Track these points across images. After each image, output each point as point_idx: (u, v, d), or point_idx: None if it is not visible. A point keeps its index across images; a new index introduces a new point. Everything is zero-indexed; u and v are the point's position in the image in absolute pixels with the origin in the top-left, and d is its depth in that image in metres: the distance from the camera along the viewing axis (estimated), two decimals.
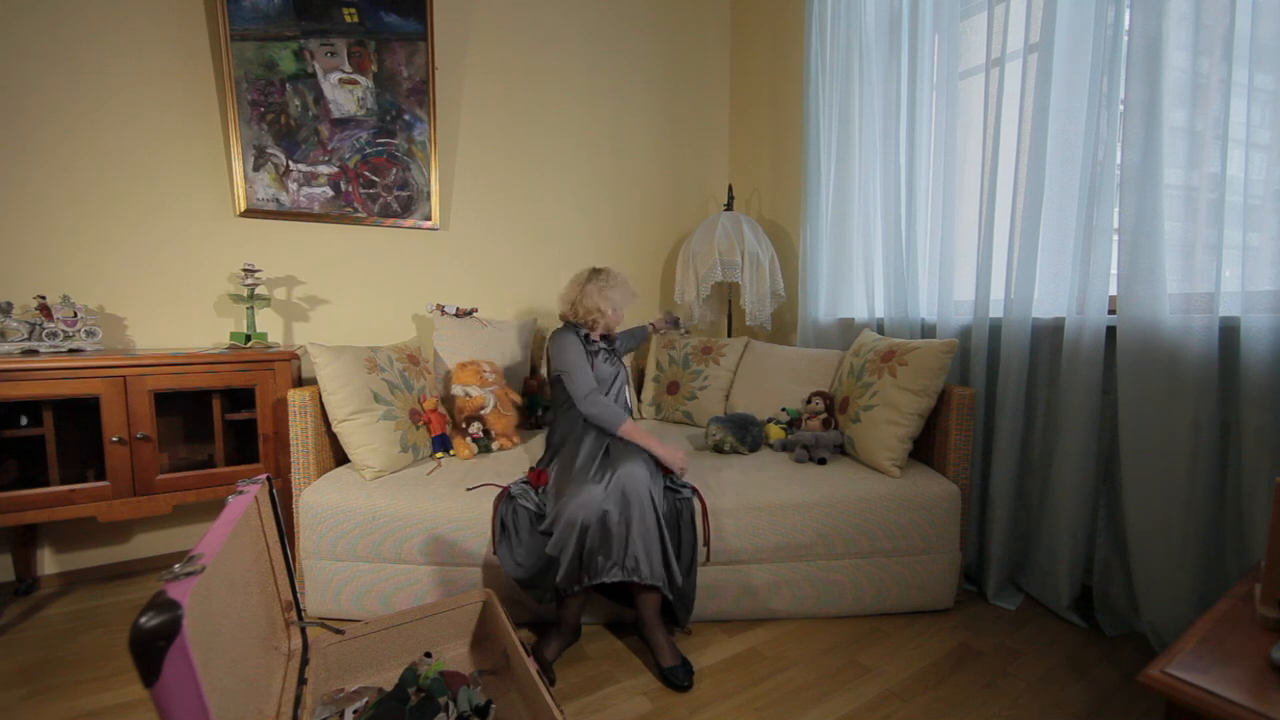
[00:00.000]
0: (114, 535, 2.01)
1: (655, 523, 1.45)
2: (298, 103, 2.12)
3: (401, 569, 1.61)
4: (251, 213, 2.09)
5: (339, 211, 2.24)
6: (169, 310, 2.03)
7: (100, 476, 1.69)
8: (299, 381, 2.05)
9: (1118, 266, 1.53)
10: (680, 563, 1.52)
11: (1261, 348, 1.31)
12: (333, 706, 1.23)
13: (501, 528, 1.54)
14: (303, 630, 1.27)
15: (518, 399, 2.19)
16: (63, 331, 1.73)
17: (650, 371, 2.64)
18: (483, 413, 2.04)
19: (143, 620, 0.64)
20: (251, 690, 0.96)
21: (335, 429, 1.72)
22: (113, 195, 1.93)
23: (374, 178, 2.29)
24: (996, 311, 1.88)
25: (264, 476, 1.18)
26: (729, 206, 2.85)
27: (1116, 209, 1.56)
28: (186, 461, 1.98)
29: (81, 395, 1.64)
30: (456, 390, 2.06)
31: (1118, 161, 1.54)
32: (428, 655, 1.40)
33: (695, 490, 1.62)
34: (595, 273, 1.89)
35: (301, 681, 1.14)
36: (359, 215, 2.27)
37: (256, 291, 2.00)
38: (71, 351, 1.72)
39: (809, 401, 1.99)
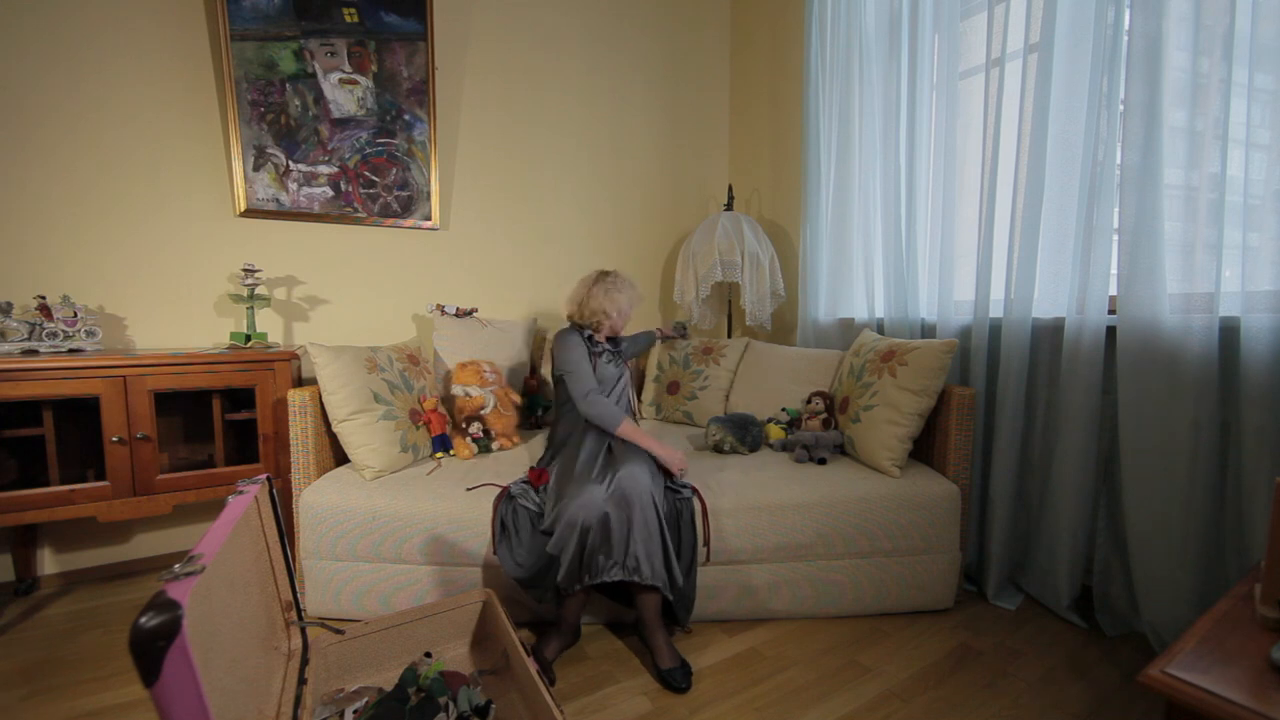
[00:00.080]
0: (114, 535, 2.01)
1: (657, 523, 1.45)
2: (298, 103, 2.12)
3: (401, 569, 1.61)
4: (251, 213, 2.09)
5: (339, 211, 2.24)
6: (169, 310, 2.03)
7: (100, 476, 1.69)
8: (299, 381, 2.05)
9: (1118, 266, 1.53)
10: (680, 563, 1.52)
11: (1261, 348, 1.31)
12: (333, 706, 1.23)
13: (501, 528, 1.54)
14: (303, 630, 1.27)
15: (518, 399, 2.19)
16: (63, 331, 1.73)
17: (651, 372, 2.65)
18: (483, 413, 2.04)
19: (143, 620, 0.64)
20: (251, 690, 0.96)
21: (335, 429, 1.72)
22: (113, 195, 1.93)
23: (374, 178, 2.29)
24: (996, 311, 1.88)
25: (264, 476, 1.18)
26: (729, 206, 2.85)
27: (1116, 209, 1.56)
28: (186, 461, 1.98)
29: (81, 395, 1.64)
30: (456, 390, 2.06)
31: (1118, 161, 1.54)
32: (428, 655, 1.40)
33: (695, 490, 1.62)
34: (603, 275, 1.89)
35: (301, 681, 1.14)
36: (359, 215, 2.27)
37: (256, 291, 2.00)
38: (71, 351, 1.72)
39: (809, 401, 1.99)
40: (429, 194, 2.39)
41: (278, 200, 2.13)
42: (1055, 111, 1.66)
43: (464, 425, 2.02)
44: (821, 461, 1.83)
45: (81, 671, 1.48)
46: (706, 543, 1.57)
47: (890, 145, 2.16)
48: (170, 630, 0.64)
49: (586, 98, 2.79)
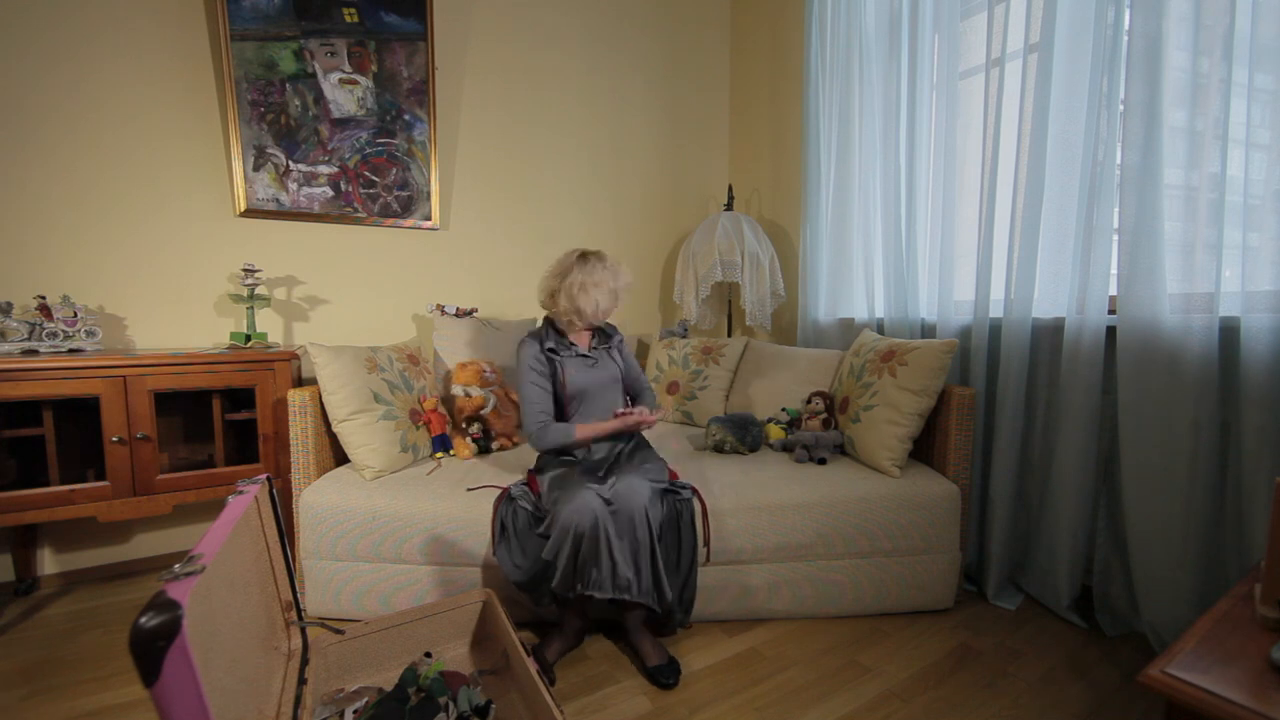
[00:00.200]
0: (114, 535, 2.01)
1: (649, 541, 1.42)
2: (298, 103, 2.12)
3: (401, 569, 1.61)
4: (251, 213, 2.09)
5: (339, 211, 2.24)
6: (169, 310, 2.03)
7: (100, 476, 1.69)
8: (299, 381, 2.05)
9: (1118, 266, 1.53)
10: (680, 563, 1.52)
11: (1261, 348, 1.31)
12: (333, 706, 1.23)
13: (501, 529, 1.54)
14: (303, 630, 1.27)
15: (518, 399, 2.19)
16: (63, 331, 1.73)
17: (650, 372, 2.64)
18: (483, 413, 2.04)
19: (143, 620, 0.64)
20: (251, 690, 0.96)
21: (335, 429, 1.72)
22: (113, 195, 1.93)
23: (374, 178, 2.29)
24: (996, 311, 1.88)
25: (264, 476, 1.18)
26: (729, 206, 2.85)
27: (1116, 209, 1.55)
28: (186, 461, 1.98)
29: (81, 395, 1.64)
30: (456, 390, 2.06)
31: (1118, 161, 1.54)
32: (428, 655, 1.40)
33: (695, 490, 1.62)
34: (582, 260, 1.61)
35: (301, 681, 1.14)
36: (359, 215, 2.27)
37: (256, 291, 2.00)
38: (71, 351, 1.72)
39: (809, 401, 1.99)
40: (429, 194, 2.39)
41: (278, 200, 2.13)
42: (1055, 111, 1.66)
43: (464, 425, 2.02)
44: (821, 461, 1.83)
45: (81, 671, 1.48)
46: (707, 543, 1.57)
47: (890, 145, 2.16)
48: (170, 630, 0.64)
49: (586, 98, 2.79)
